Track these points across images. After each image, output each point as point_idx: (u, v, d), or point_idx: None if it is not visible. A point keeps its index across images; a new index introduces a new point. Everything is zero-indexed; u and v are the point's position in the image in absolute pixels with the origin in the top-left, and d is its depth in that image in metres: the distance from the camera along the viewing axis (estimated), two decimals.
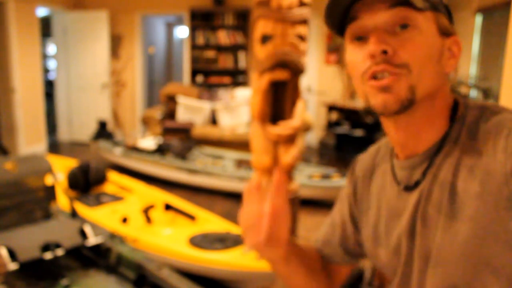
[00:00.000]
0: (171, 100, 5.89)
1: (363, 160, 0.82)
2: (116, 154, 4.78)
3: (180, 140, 4.88)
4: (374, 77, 0.59)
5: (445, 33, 0.61)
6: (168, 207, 3.10)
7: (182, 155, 4.51)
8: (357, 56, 0.62)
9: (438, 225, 0.60)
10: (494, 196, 0.54)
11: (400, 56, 0.58)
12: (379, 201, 0.74)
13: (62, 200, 2.61)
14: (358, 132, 5.68)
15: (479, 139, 0.58)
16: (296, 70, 2.85)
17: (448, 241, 0.58)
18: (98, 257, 2.18)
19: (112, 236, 2.23)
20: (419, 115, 0.61)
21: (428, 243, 0.62)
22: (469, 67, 4.37)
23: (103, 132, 5.70)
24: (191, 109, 5.70)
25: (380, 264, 0.75)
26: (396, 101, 0.59)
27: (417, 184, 0.64)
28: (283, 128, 2.92)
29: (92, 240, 2.12)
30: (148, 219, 2.93)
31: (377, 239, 0.74)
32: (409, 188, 0.66)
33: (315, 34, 6.14)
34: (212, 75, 6.62)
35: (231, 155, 4.73)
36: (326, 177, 3.91)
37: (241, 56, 6.48)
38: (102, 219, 2.70)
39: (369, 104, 0.62)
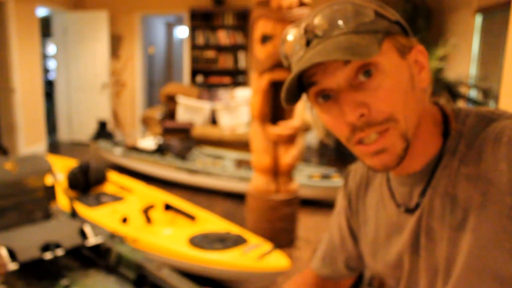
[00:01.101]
0: (171, 100, 5.89)
1: (355, 171, 0.80)
2: (116, 154, 4.78)
3: (180, 140, 4.88)
4: (361, 141, 0.56)
5: (406, 51, 0.57)
6: (168, 207, 3.10)
7: (182, 155, 4.51)
8: (331, 119, 0.58)
9: (444, 237, 0.59)
10: (497, 205, 0.53)
11: (379, 110, 0.54)
12: (377, 216, 0.72)
13: (62, 200, 2.61)
14: None
15: (477, 148, 0.57)
16: None
17: (455, 252, 0.58)
18: (98, 257, 2.18)
19: (112, 236, 2.23)
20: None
21: (435, 256, 0.61)
22: (469, 67, 4.37)
23: (103, 132, 5.70)
24: (191, 109, 5.70)
25: (380, 275, 0.75)
26: (394, 158, 0.56)
27: (417, 206, 0.63)
28: (283, 128, 2.93)
29: (92, 240, 2.12)
30: (148, 219, 2.93)
31: (376, 254, 0.73)
32: (410, 210, 0.65)
33: None
34: (212, 75, 6.62)
35: (231, 155, 4.73)
36: (326, 177, 3.91)
37: (241, 56, 6.48)
38: (102, 219, 2.70)
39: (365, 164, 0.59)
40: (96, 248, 2.19)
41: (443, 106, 0.63)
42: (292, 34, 0.60)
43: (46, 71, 8.17)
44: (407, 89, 0.56)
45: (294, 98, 0.60)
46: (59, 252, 1.99)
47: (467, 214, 0.56)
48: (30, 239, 2.04)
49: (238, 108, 5.57)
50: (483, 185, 0.54)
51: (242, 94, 5.70)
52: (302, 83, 0.59)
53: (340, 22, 0.55)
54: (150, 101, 7.89)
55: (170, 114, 5.87)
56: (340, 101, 0.56)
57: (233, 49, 6.49)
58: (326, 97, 0.58)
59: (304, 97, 0.62)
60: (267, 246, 2.38)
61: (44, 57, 7.96)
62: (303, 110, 3.04)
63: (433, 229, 0.61)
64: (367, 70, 0.54)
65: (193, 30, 6.44)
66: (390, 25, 0.56)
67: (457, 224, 0.57)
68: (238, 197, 3.95)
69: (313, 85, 0.58)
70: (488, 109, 0.61)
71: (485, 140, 0.56)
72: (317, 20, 0.56)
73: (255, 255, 2.28)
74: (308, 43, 0.56)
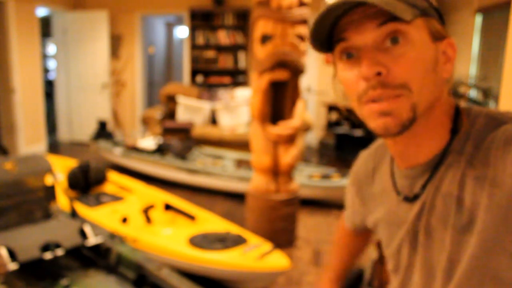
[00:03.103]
0: (171, 100, 5.89)
1: (364, 157, 0.82)
2: (116, 154, 4.78)
3: (180, 140, 4.88)
4: (372, 99, 0.57)
5: (438, 37, 0.59)
6: (168, 207, 3.10)
7: (182, 155, 4.51)
8: (350, 75, 0.59)
9: (445, 238, 0.59)
10: (503, 208, 0.53)
11: (396, 75, 0.55)
12: (382, 204, 0.74)
13: (62, 200, 2.61)
14: (358, 132, 5.68)
15: (486, 150, 0.56)
16: (296, 70, 2.86)
17: (459, 253, 0.57)
18: (98, 257, 2.18)
19: (112, 236, 2.23)
20: (418, 128, 0.60)
21: (433, 255, 0.61)
22: (469, 67, 4.37)
23: (103, 132, 5.70)
24: (191, 109, 5.70)
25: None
26: (397, 123, 0.57)
27: (416, 197, 0.64)
28: (283, 128, 2.93)
29: (92, 240, 2.12)
30: (148, 219, 2.93)
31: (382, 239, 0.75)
32: (408, 199, 0.65)
33: None
34: (212, 75, 6.62)
35: (231, 155, 4.73)
36: (326, 177, 3.91)
37: (241, 56, 6.48)
38: (102, 219, 2.69)
39: (369, 127, 0.60)
40: (96, 248, 2.19)
41: (458, 101, 0.64)
42: None
43: (46, 71, 8.16)
44: (429, 68, 0.57)
45: (320, 45, 0.62)
46: (59, 252, 1.99)
47: (473, 217, 0.56)
48: (30, 239, 2.04)
49: (238, 108, 5.57)
50: (490, 188, 0.54)
51: (242, 94, 5.70)
52: (332, 39, 0.60)
53: None
54: (150, 101, 7.89)
55: (170, 114, 5.87)
56: (361, 59, 0.57)
57: (233, 49, 6.49)
58: (350, 55, 0.59)
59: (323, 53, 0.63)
60: (267, 246, 2.38)
61: (44, 57, 7.96)
62: (303, 110, 3.04)
63: (433, 227, 0.61)
64: (394, 37, 0.55)
65: (193, 30, 6.44)
66: (429, 8, 0.58)
67: (463, 226, 0.57)
68: (238, 197, 3.95)
69: (341, 41, 0.59)
70: (499, 111, 0.60)
71: (494, 142, 0.56)
72: None
73: (255, 255, 2.28)
74: None
